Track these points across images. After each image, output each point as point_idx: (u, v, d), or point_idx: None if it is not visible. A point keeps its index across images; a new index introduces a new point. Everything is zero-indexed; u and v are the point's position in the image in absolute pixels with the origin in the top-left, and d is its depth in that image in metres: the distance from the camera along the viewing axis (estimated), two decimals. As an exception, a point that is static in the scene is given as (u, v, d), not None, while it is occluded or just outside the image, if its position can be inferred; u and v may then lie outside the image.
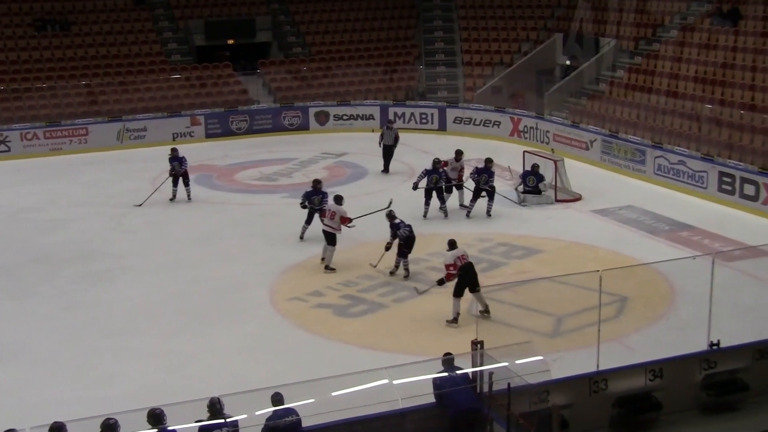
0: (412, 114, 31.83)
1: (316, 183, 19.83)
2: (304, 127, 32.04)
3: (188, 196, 23.18)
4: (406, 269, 17.55)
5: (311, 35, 35.42)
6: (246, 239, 20.22)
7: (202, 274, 18.08)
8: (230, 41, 35.06)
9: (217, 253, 19.38)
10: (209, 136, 30.95)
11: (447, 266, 15.34)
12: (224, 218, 21.90)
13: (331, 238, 18.04)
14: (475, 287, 15.03)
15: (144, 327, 15.61)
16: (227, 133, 31.18)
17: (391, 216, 17.78)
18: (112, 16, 33.93)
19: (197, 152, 28.83)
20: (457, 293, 15.13)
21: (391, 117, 30.66)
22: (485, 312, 15.04)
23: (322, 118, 32.30)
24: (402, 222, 17.61)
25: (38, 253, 19.58)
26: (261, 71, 33.70)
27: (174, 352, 14.54)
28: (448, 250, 15.58)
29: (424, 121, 31.65)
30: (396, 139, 26.05)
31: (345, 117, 32.31)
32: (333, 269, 17.97)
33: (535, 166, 22.65)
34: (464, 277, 15.11)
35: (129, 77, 31.91)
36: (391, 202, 19.07)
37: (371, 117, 32.07)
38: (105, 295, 17.09)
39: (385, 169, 25.94)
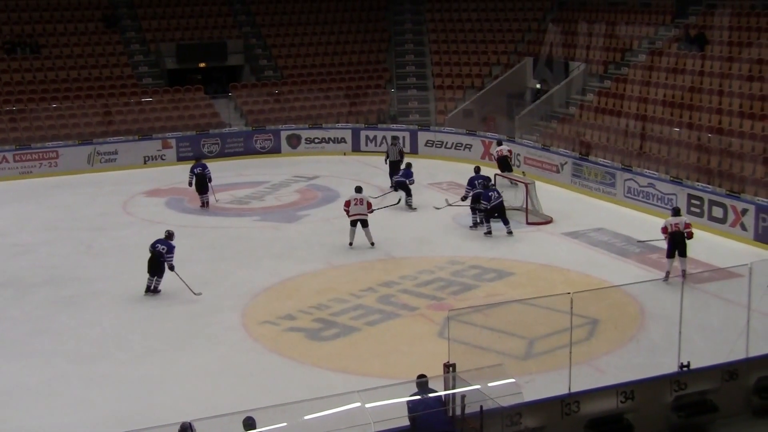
0: (384, 137, 31.91)
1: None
2: (275, 151, 32.04)
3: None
4: None
5: (283, 58, 35.49)
6: (217, 263, 20.13)
7: (172, 298, 17.95)
8: (202, 64, 35.05)
9: (188, 276, 19.22)
10: (181, 159, 30.85)
11: (661, 229, 18.30)
12: (195, 242, 21.79)
13: (365, 222, 20.67)
14: (683, 252, 17.99)
15: (113, 352, 15.48)
16: (199, 156, 31.02)
17: None
18: (83, 39, 33.85)
19: (168, 175, 28.83)
20: (669, 255, 18.13)
21: (363, 140, 30.91)
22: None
23: (294, 141, 32.32)
24: None
25: (6, 277, 19.38)
26: (232, 94, 33.70)
27: (144, 377, 14.41)
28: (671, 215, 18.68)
29: (387, 145, 31.69)
30: (401, 154, 26.90)
31: (317, 140, 32.36)
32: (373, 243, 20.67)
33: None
34: (672, 242, 18.06)
35: (100, 100, 31.79)
36: (400, 200, 23.35)
37: (343, 140, 32.15)
38: (74, 320, 16.92)
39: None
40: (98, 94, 32.03)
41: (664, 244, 18.28)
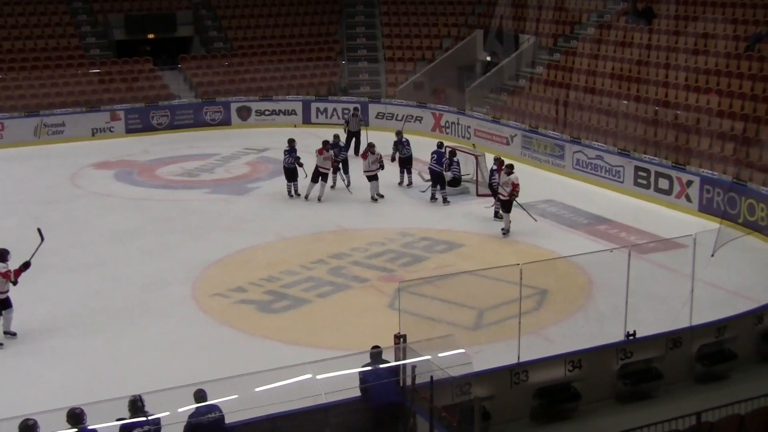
0: (335, 109, 31.84)
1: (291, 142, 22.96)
2: (225, 123, 31.81)
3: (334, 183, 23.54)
4: None
5: (233, 30, 35.16)
6: (167, 235, 20.01)
7: (122, 271, 17.84)
8: (151, 36, 34.59)
9: (137, 249, 19.15)
10: (129, 131, 30.51)
11: (515, 185, 19.49)
12: (145, 214, 21.63)
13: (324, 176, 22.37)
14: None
15: (63, 326, 15.35)
16: (148, 128, 30.76)
17: None
18: (28, 9, 33.15)
19: (117, 148, 28.52)
20: (508, 209, 19.71)
21: (313, 112, 30.99)
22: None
23: (244, 113, 32.11)
24: None
25: (-48, 251, 19.04)
26: (182, 66, 33.33)
27: (94, 352, 14.34)
28: (510, 173, 19.67)
29: (346, 116, 31.64)
30: (360, 124, 27.78)
31: (267, 112, 32.19)
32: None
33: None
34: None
35: (46, 71, 31.26)
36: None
37: (293, 112, 32.02)
38: (22, 295, 16.68)
39: (355, 152, 26.91)
40: (45, 65, 31.49)
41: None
